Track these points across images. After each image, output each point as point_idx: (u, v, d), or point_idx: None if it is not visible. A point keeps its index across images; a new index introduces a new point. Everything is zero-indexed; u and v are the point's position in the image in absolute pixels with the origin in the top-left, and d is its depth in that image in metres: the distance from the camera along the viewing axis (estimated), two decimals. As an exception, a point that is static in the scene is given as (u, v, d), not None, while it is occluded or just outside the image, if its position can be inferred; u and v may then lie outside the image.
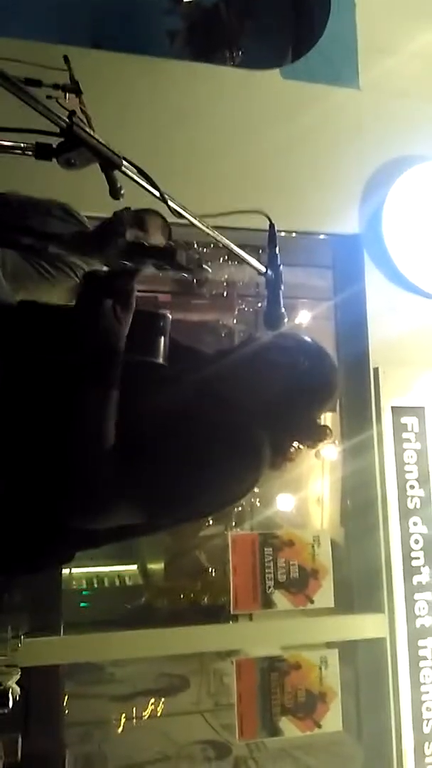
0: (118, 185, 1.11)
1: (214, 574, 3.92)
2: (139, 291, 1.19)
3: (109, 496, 1.13)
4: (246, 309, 4.32)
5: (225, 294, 4.22)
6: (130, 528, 1.27)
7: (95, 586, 4.32)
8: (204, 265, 1.20)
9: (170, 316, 1.24)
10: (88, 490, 1.12)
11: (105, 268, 1.19)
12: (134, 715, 3.65)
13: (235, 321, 4.36)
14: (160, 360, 1.20)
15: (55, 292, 1.81)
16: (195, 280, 1.29)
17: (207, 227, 1.30)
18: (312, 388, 1.33)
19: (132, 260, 1.15)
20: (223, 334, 4.39)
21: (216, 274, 3.92)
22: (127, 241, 1.13)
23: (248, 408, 1.27)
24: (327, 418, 1.62)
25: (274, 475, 1.36)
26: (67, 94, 1.77)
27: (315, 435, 1.35)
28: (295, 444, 1.33)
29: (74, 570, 4.13)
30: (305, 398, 1.33)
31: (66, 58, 1.86)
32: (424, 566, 2.74)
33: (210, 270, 1.21)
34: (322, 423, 1.37)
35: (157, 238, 1.91)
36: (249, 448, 1.24)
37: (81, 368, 1.14)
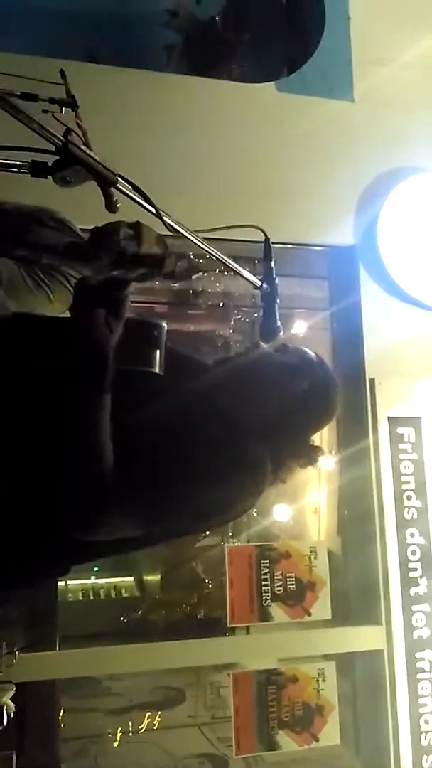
0: (114, 199, 1.11)
1: (210, 587, 3.90)
2: (136, 302, 1.19)
3: (103, 507, 1.12)
4: (242, 319, 4.32)
5: (221, 304, 4.22)
6: (127, 541, 1.27)
7: (91, 598, 4.30)
8: (193, 275, 1.20)
9: (165, 326, 1.24)
10: (81, 500, 1.12)
11: (97, 277, 1.18)
12: (130, 728, 3.62)
13: (231, 331, 4.37)
14: (157, 369, 1.20)
15: (48, 302, 1.80)
16: (192, 291, 1.29)
17: (202, 242, 1.31)
18: (311, 408, 1.32)
19: (122, 269, 1.15)
20: (219, 345, 4.39)
21: (212, 285, 3.93)
22: (117, 250, 1.13)
23: (246, 423, 1.26)
24: (323, 431, 1.62)
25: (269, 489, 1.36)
26: (64, 109, 1.77)
27: (308, 455, 1.35)
28: (289, 464, 1.33)
29: (70, 582, 4.10)
30: (303, 417, 1.32)
31: (62, 73, 1.86)
32: (421, 577, 2.73)
33: (195, 279, 1.21)
34: (315, 444, 1.37)
35: (152, 249, 1.91)
36: (250, 463, 1.24)
37: (73, 377, 1.14)
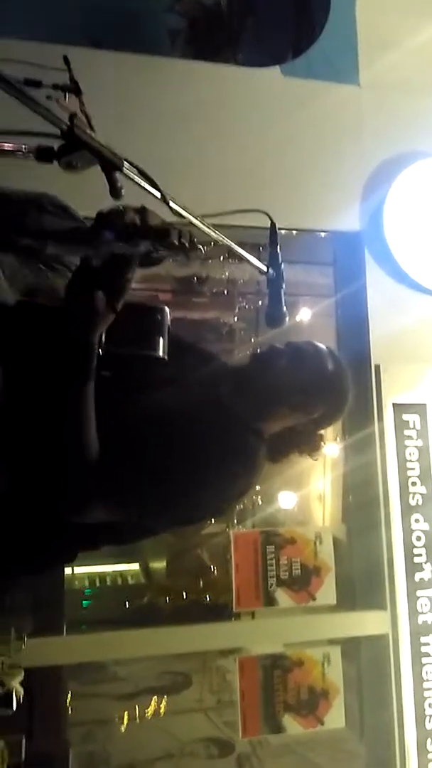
0: (119, 185, 1.10)
1: (216, 573, 3.93)
2: (139, 289, 1.19)
3: (88, 489, 1.13)
4: (247, 307, 4.32)
5: (226, 292, 4.21)
6: (129, 530, 1.27)
7: (97, 585, 4.33)
8: (198, 245, 1.19)
9: (168, 310, 1.23)
10: (66, 482, 1.13)
11: (98, 260, 1.17)
12: (137, 713, 3.65)
13: (236, 319, 4.36)
14: (159, 354, 1.19)
15: (53, 293, 1.80)
16: (196, 279, 1.27)
17: (208, 227, 1.30)
18: (324, 412, 1.31)
19: (127, 242, 1.13)
20: (223, 332, 4.39)
21: (217, 272, 3.92)
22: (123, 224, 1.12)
23: (246, 414, 1.26)
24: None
25: (275, 473, 1.37)
26: (67, 95, 1.76)
27: (311, 445, 1.34)
28: (289, 453, 1.33)
29: (77, 569, 4.13)
30: (313, 419, 1.30)
31: (66, 58, 1.85)
32: (426, 563, 2.74)
33: (203, 249, 1.20)
34: (320, 433, 1.36)
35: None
36: (243, 456, 1.24)
37: (63, 363, 1.13)
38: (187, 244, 1.14)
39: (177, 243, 1.14)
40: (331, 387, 1.32)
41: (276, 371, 1.28)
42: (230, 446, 1.22)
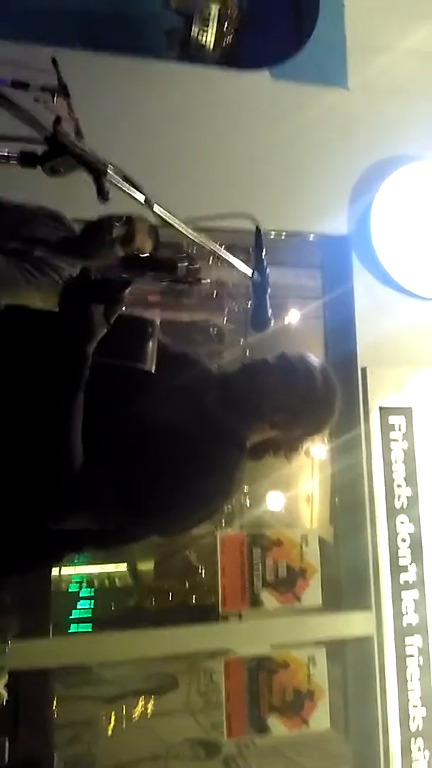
0: (106, 188, 1.11)
1: (203, 574, 3.93)
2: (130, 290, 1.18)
3: (69, 498, 1.13)
4: (236, 308, 4.32)
5: (215, 294, 4.21)
6: (111, 536, 1.27)
7: (84, 586, 4.31)
8: (202, 279, 1.19)
9: (158, 322, 1.23)
10: (49, 490, 1.13)
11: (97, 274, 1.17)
12: (123, 715, 3.65)
13: (225, 320, 4.37)
14: (147, 366, 1.19)
15: (40, 295, 1.80)
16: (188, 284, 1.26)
17: (193, 232, 1.31)
18: (304, 431, 1.31)
19: (130, 272, 1.13)
20: (213, 334, 4.39)
21: (206, 275, 3.92)
22: (126, 255, 1.12)
23: (232, 427, 1.26)
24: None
25: (263, 474, 1.37)
26: (55, 97, 1.76)
27: (288, 449, 1.35)
28: (268, 456, 1.34)
29: (63, 571, 4.11)
30: (296, 432, 1.30)
31: (54, 61, 1.85)
32: (411, 564, 2.76)
33: (207, 281, 1.20)
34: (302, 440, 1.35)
35: (144, 242, 1.91)
36: (226, 468, 1.24)
37: (54, 369, 1.13)
38: (192, 280, 1.14)
39: (183, 277, 1.13)
40: (314, 410, 1.30)
41: (263, 386, 1.26)
42: (214, 459, 1.21)
